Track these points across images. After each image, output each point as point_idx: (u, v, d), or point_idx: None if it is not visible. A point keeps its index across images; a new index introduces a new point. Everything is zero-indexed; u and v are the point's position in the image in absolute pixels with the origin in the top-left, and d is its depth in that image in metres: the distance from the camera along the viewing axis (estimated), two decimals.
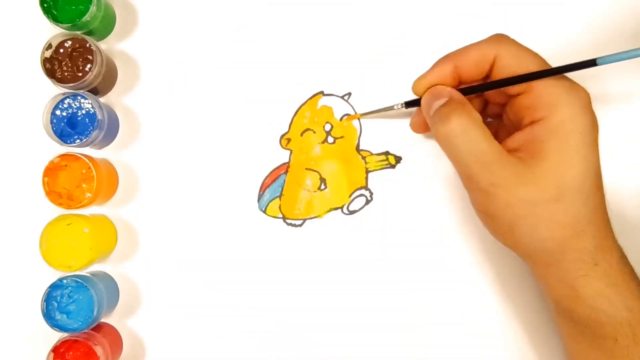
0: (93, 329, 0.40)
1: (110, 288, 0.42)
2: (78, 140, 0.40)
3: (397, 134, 0.43)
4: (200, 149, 0.44)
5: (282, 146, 0.44)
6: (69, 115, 0.40)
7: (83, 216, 0.41)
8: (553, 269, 0.33)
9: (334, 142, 0.43)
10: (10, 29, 0.44)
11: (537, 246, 0.33)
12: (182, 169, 0.43)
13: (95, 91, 0.43)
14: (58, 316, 0.39)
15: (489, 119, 0.39)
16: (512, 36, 0.35)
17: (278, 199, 0.43)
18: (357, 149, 0.43)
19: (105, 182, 0.41)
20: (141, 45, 0.44)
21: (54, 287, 0.40)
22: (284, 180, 0.43)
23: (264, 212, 0.43)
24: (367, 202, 0.43)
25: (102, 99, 0.44)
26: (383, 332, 0.42)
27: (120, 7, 0.44)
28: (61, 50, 0.40)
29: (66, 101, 0.41)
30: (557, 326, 0.36)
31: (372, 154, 0.43)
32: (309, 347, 0.43)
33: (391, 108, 0.40)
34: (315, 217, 0.43)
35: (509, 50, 0.34)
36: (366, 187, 0.43)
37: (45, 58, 0.40)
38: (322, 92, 0.44)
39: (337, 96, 0.44)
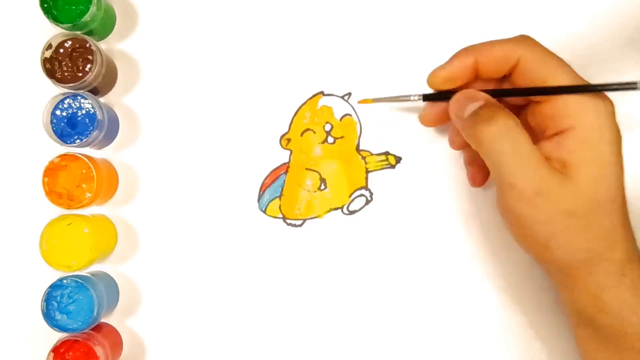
0: (93, 329, 0.40)
1: (110, 288, 0.42)
2: (78, 141, 0.40)
3: (397, 134, 0.43)
4: (200, 149, 0.44)
5: (282, 146, 0.44)
6: (69, 116, 0.40)
7: (83, 216, 0.41)
8: (581, 280, 0.32)
9: (334, 142, 0.43)
10: (10, 29, 0.44)
11: (572, 258, 0.32)
12: (182, 169, 0.43)
13: (95, 91, 0.43)
14: (58, 316, 0.39)
15: None
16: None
17: (278, 199, 0.43)
18: (357, 149, 0.43)
19: (105, 182, 0.41)
20: (141, 45, 0.44)
21: (54, 287, 0.40)
22: (284, 181, 0.43)
23: (264, 212, 0.43)
24: (367, 202, 0.43)
25: (102, 99, 0.44)
26: (383, 332, 0.42)
27: (120, 7, 0.44)
28: (61, 51, 0.40)
29: (66, 101, 0.41)
30: (576, 335, 0.35)
31: (372, 154, 0.43)
32: (309, 347, 0.43)
33: (407, 98, 0.39)
34: (315, 217, 0.43)
35: (535, 53, 0.33)
36: (366, 187, 0.43)
37: (45, 58, 0.40)
38: (322, 92, 0.44)
39: (337, 96, 0.43)
